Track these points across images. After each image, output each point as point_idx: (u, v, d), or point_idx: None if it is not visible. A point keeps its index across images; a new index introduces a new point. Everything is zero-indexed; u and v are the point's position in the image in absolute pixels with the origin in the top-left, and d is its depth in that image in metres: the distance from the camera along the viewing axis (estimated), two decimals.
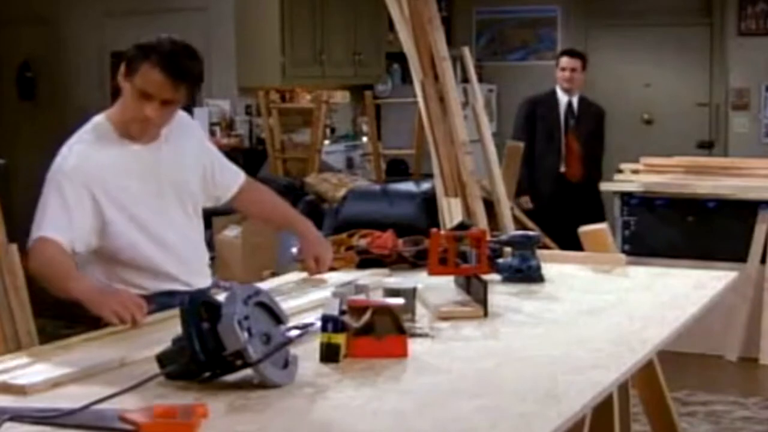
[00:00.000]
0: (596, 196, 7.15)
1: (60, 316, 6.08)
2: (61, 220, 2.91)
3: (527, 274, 3.35)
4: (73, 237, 2.92)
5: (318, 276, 3.33)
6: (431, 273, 3.16)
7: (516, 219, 6.65)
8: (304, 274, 3.38)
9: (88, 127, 3.08)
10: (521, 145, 6.96)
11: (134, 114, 2.96)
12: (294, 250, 3.48)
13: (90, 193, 2.95)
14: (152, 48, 2.92)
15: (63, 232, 2.90)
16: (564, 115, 7.38)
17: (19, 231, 4.24)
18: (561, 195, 7.29)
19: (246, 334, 2.19)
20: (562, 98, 7.41)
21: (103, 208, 2.96)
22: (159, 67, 2.89)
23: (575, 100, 7.44)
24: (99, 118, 3.09)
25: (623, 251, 5.61)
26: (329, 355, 2.43)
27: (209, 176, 3.26)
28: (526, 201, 7.13)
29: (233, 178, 3.38)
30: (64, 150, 3.02)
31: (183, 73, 2.93)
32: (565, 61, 7.42)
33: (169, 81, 2.90)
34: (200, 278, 3.19)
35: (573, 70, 7.35)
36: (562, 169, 7.36)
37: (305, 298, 3.05)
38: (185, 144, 3.16)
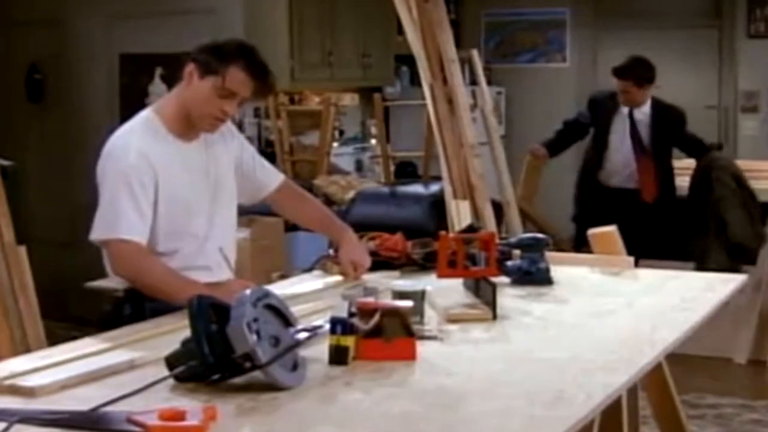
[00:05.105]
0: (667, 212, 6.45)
1: (68, 318, 6.10)
2: (139, 222, 2.99)
3: (536, 277, 3.35)
4: (147, 236, 3.01)
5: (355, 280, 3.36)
6: (440, 275, 3.15)
7: (533, 220, 6.63)
8: (340, 278, 3.42)
9: (139, 120, 3.14)
10: (544, 150, 6.75)
11: (211, 110, 3.06)
12: (330, 251, 3.53)
13: (154, 183, 3.02)
14: (235, 51, 3.06)
15: (141, 234, 2.99)
16: (630, 129, 6.44)
17: (29, 233, 4.26)
18: (636, 217, 6.14)
19: (255, 337, 2.19)
20: (624, 110, 6.46)
21: (159, 199, 3.03)
22: (248, 70, 3.04)
23: (642, 113, 6.46)
24: (148, 114, 3.15)
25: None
26: (338, 357, 2.42)
27: (242, 169, 3.33)
28: None
29: (270, 176, 3.45)
30: (120, 142, 3.07)
31: (267, 76, 3.11)
32: (615, 81, 6.41)
33: (256, 83, 3.06)
34: (231, 274, 3.27)
35: (625, 92, 6.37)
36: (633, 185, 6.42)
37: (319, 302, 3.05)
38: (221, 141, 3.24)
